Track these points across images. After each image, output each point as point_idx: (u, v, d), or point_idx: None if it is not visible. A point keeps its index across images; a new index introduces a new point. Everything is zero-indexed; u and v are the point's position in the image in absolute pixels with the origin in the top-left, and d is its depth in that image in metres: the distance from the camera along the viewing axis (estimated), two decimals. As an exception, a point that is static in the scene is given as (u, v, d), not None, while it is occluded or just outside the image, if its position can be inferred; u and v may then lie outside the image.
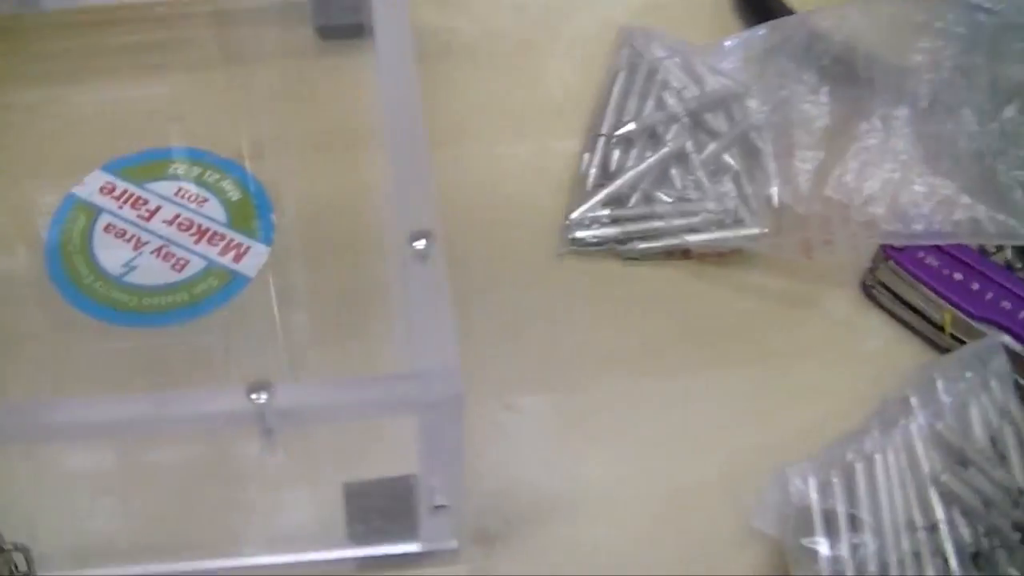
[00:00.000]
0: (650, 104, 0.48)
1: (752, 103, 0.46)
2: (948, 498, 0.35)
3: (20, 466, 0.35)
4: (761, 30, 0.48)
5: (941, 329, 0.41)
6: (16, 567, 0.32)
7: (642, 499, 0.39)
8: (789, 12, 0.50)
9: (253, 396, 0.28)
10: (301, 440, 0.35)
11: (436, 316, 0.30)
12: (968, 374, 0.38)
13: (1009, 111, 0.44)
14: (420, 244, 0.31)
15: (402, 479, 0.37)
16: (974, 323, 0.40)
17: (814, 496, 0.35)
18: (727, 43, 0.48)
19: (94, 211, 0.45)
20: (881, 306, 0.43)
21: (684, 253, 0.45)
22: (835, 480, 0.36)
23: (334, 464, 0.38)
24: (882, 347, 0.42)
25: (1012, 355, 0.39)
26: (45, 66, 0.50)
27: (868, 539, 0.34)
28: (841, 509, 0.35)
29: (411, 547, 0.36)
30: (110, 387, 0.40)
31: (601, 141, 0.47)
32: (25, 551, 0.32)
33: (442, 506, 0.33)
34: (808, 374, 0.42)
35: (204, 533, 0.37)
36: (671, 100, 0.47)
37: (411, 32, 0.38)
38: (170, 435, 0.33)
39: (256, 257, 0.44)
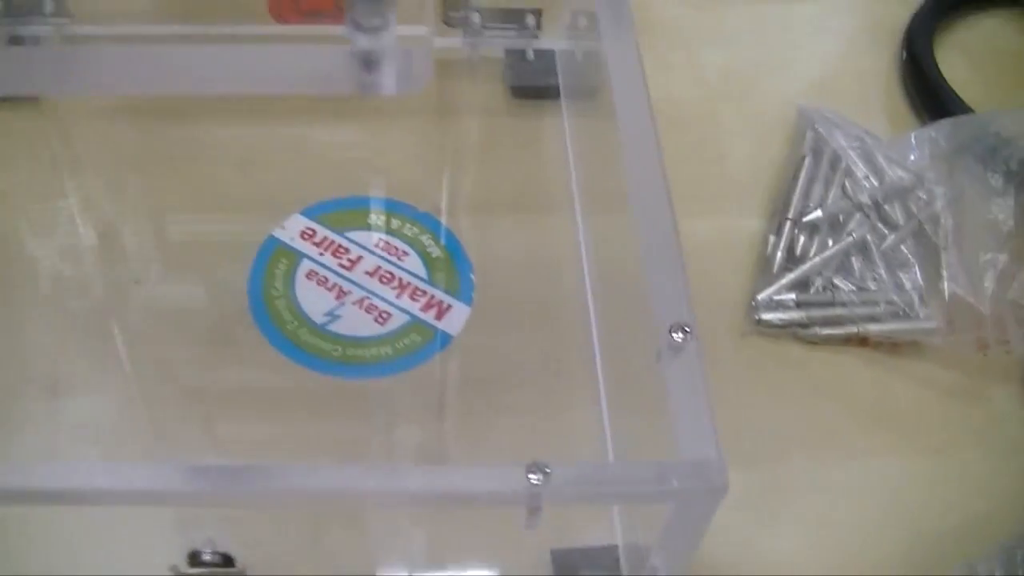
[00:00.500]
0: (834, 192, 0.49)
1: (933, 198, 0.48)
2: None
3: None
4: (944, 127, 0.50)
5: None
6: None
7: (823, 561, 0.40)
8: (966, 109, 0.52)
9: (531, 477, 0.30)
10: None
11: (697, 408, 0.32)
12: None
13: None
14: (679, 336, 0.33)
15: (607, 549, 0.39)
16: None
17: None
18: (912, 137, 0.50)
19: (296, 256, 0.47)
20: None
21: (862, 341, 0.46)
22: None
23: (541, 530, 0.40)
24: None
25: None
26: (239, 103, 0.52)
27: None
28: None
29: None
30: (313, 433, 0.42)
31: (788, 225, 0.48)
32: None
33: None
34: (981, 465, 0.43)
35: None
36: (854, 190, 0.49)
37: (650, 104, 0.39)
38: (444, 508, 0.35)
39: (458, 316, 0.45)
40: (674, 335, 0.33)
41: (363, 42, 0.34)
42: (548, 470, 0.30)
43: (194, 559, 0.32)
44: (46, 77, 0.36)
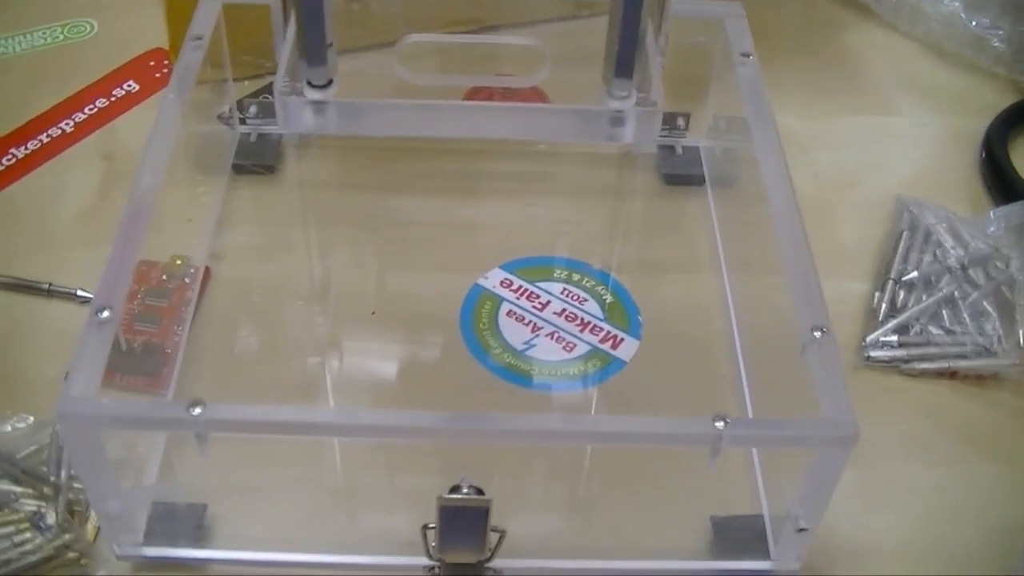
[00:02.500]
0: (927, 258, 0.61)
1: (1008, 262, 0.60)
2: None
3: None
4: (1017, 207, 0.62)
5: None
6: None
7: (925, 554, 0.51)
8: None
9: (716, 424, 0.42)
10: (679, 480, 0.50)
11: (835, 384, 0.44)
12: None
13: None
14: (818, 333, 0.45)
15: (755, 517, 0.51)
16: None
17: None
18: (990, 216, 0.62)
19: (497, 299, 0.60)
20: None
21: (952, 374, 0.58)
22: None
23: (701, 501, 0.52)
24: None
25: None
26: (446, 183, 0.66)
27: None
28: None
29: (763, 565, 0.49)
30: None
31: (890, 284, 0.61)
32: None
33: (803, 529, 0.46)
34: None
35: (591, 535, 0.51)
36: (944, 257, 0.61)
37: (792, 185, 0.52)
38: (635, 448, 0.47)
39: (630, 347, 0.58)
40: (815, 333, 0.46)
41: (615, 105, 0.48)
42: (728, 419, 0.43)
43: (454, 491, 0.45)
44: (334, 120, 0.49)
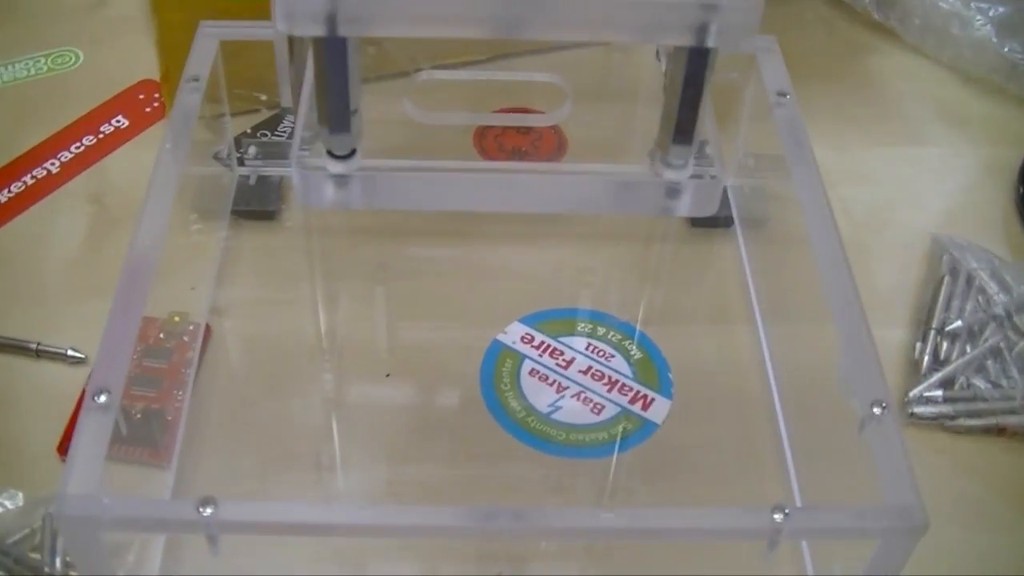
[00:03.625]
0: (970, 306, 0.58)
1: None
2: None
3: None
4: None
5: None
6: None
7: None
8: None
9: (775, 516, 0.39)
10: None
11: (898, 464, 0.40)
12: None
13: None
14: (878, 410, 0.42)
15: None
16: None
17: None
18: (1030, 262, 0.59)
19: (519, 356, 0.56)
20: None
21: (1000, 431, 0.55)
22: None
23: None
24: None
25: None
26: (460, 228, 0.62)
27: None
28: None
29: None
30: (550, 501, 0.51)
31: (932, 334, 0.57)
32: None
33: None
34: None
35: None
36: (988, 304, 0.57)
37: (838, 232, 0.48)
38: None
39: (661, 407, 0.54)
40: (875, 409, 0.42)
41: (671, 175, 0.44)
42: (787, 511, 0.39)
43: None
44: (359, 196, 0.46)
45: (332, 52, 0.40)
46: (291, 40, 0.50)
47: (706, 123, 0.45)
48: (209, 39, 0.56)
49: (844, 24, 0.78)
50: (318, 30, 0.40)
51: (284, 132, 0.64)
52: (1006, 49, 0.72)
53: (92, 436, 0.40)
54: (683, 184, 0.44)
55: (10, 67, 0.71)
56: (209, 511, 0.37)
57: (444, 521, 0.38)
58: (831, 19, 0.78)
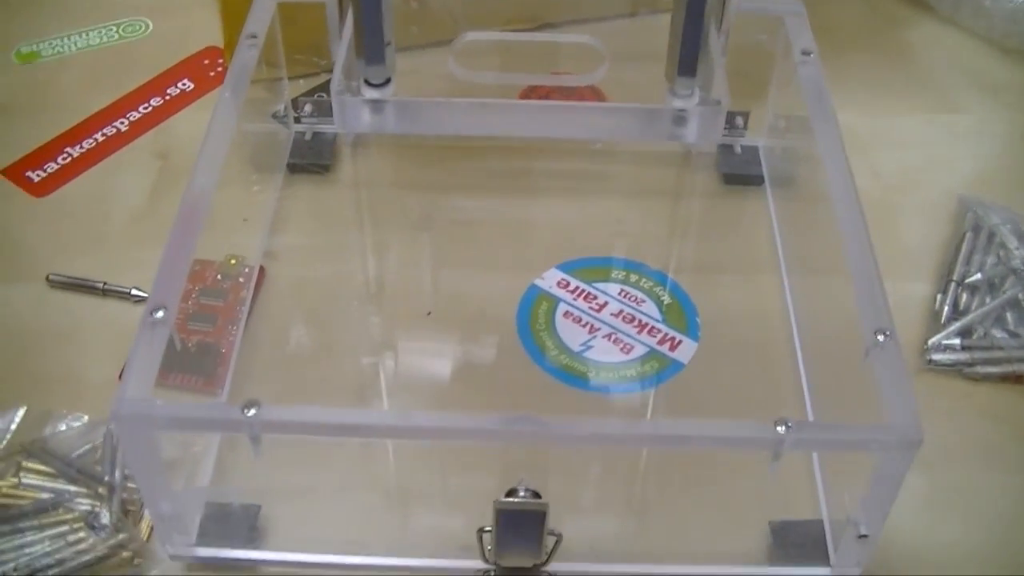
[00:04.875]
0: (991, 259, 0.60)
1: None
2: None
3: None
4: (1083, 208, 0.60)
5: None
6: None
7: (994, 561, 0.50)
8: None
9: (778, 428, 0.41)
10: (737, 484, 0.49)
11: (900, 386, 0.43)
12: None
13: None
14: (882, 337, 0.44)
15: (814, 522, 0.50)
16: None
17: None
18: (1054, 215, 0.61)
19: (554, 300, 0.59)
20: None
21: (1017, 378, 0.57)
22: None
23: (760, 506, 0.51)
24: None
25: None
26: (501, 182, 0.65)
27: None
28: None
29: (823, 571, 0.48)
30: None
31: (952, 286, 0.59)
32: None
33: (864, 536, 0.45)
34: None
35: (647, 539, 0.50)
36: (1008, 258, 0.60)
37: (855, 187, 0.51)
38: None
39: (688, 349, 0.57)
40: (879, 336, 0.45)
41: (678, 103, 0.47)
42: (790, 423, 0.42)
43: (511, 494, 0.44)
44: (392, 120, 0.49)
45: None
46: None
47: (711, 56, 0.48)
48: (267, 1, 0.59)
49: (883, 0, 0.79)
50: None
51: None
52: (1040, 20, 0.73)
53: (148, 347, 0.43)
54: (689, 111, 0.47)
55: (84, 35, 0.75)
56: (253, 412, 0.41)
57: (468, 425, 0.42)
58: (871, -6, 0.80)
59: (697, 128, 0.47)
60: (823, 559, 0.48)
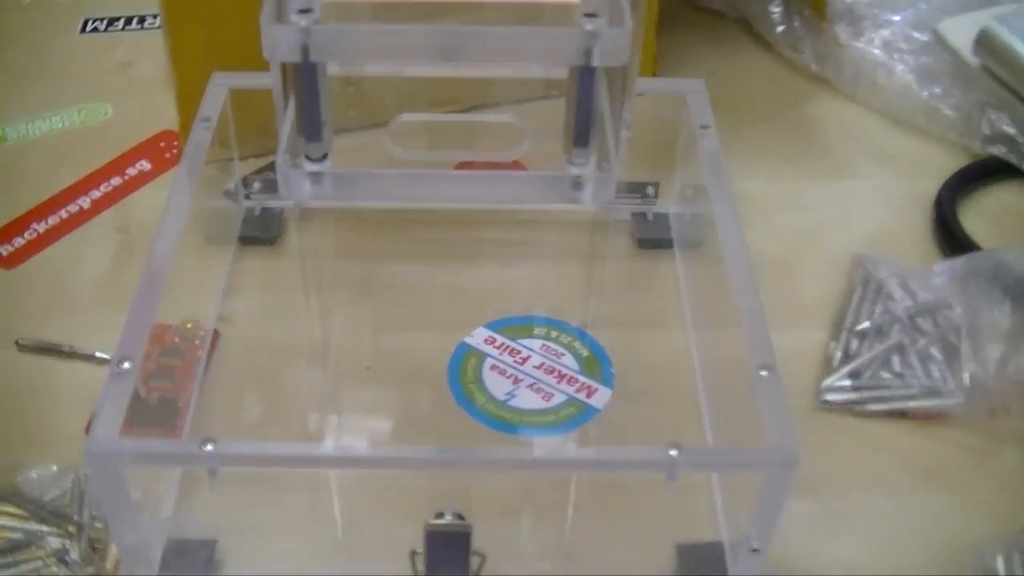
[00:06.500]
0: (878, 309, 0.67)
1: (953, 311, 0.65)
2: None
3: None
4: (959, 261, 0.67)
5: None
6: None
7: (871, 571, 0.56)
8: (977, 247, 0.70)
9: (671, 452, 0.48)
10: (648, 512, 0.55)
11: (779, 413, 0.49)
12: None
13: None
14: (765, 373, 0.51)
15: (716, 543, 0.56)
16: None
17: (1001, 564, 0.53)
18: (936, 269, 0.68)
19: (482, 355, 0.65)
20: None
21: (902, 414, 0.63)
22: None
23: (668, 531, 0.57)
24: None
25: None
26: (434, 250, 0.71)
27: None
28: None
29: None
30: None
31: (844, 333, 0.66)
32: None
33: (756, 550, 0.51)
34: (990, 497, 0.59)
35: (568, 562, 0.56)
36: (894, 308, 0.66)
37: (745, 242, 0.58)
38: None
39: (603, 396, 0.63)
40: (762, 372, 0.51)
41: (574, 170, 0.54)
42: (681, 448, 0.48)
43: (439, 518, 0.50)
44: (330, 189, 0.55)
45: (307, 75, 0.50)
46: (283, 73, 0.60)
47: (606, 130, 0.55)
48: (220, 87, 0.66)
49: (785, 76, 0.87)
50: (295, 57, 0.50)
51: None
52: (926, 94, 0.81)
53: (116, 395, 0.49)
54: (584, 178, 0.54)
55: (48, 119, 0.81)
56: (210, 447, 0.47)
57: (401, 455, 0.48)
58: (774, 71, 0.88)
59: (592, 192, 0.54)
60: (721, 572, 0.54)
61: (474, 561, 0.50)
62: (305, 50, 0.49)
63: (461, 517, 0.49)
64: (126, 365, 0.49)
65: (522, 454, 0.49)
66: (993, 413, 0.61)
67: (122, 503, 0.48)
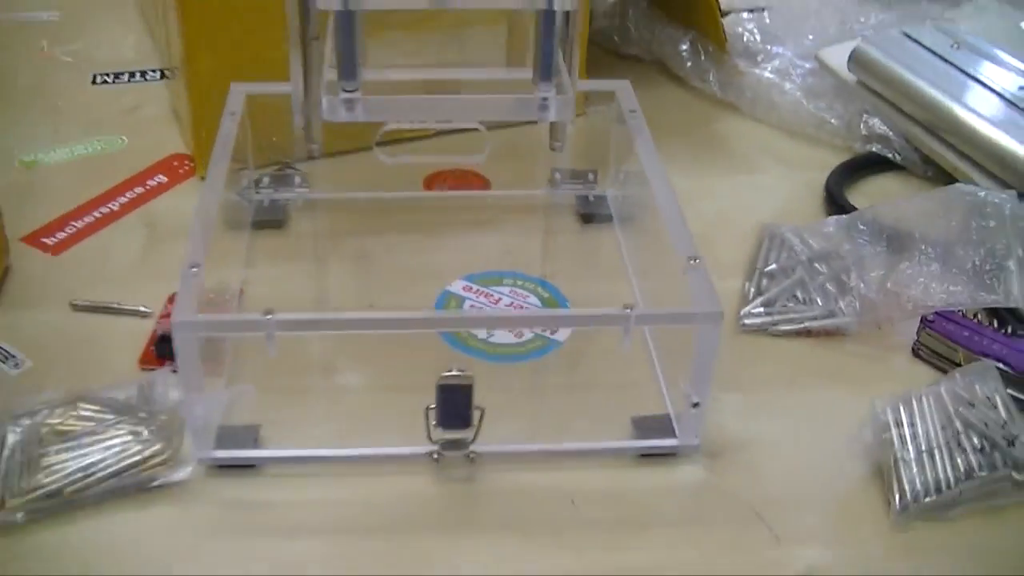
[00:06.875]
0: (783, 255, 0.83)
1: (842, 254, 0.81)
2: (964, 421, 0.67)
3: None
4: (844, 217, 0.84)
5: (959, 364, 0.74)
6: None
7: (790, 444, 0.70)
8: (855, 208, 0.86)
9: (626, 310, 0.62)
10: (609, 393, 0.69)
11: (706, 287, 0.64)
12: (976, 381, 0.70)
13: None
14: (694, 261, 0.66)
15: (663, 415, 0.70)
16: (977, 356, 0.73)
17: (891, 417, 0.68)
18: (827, 222, 0.84)
19: (461, 299, 0.80)
20: (923, 359, 0.77)
21: (807, 333, 0.78)
22: (902, 409, 0.68)
23: (625, 408, 0.71)
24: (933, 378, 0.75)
25: (1000, 372, 0.71)
26: (419, 228, 0.86)
27: (920, 437, 0.67)
28: (906, 421, 0.67)
29: (671, 441, 0.68)
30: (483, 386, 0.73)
31: (756, 274, 0.81)
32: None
33: (697, 404, 0.66)
34: (881, 389, 0.73)
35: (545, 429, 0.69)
36: (796, 255, 0.82)
37: (670, 183, 0.73)
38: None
39: (563, 333, 0.77)
40: (691, 261, 0.66)
41: (542, 91, 0.69)
42: (632, 308, 0.63)
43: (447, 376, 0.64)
44: (361, 111, 0.69)
45: (346, 20, 0.65)
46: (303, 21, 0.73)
47: (561, 70, 0.70)
48: (238, 93, 0.81)
49: (696, 103, 1.04)
50: (339, 5, 0.65)
51: (288, 173, 0.88)
52: (813, 108, 0.98)
53: (190, 288, 0.62)
54: (549, 100, 0.69)
55: (73, 148, 0.95)
56: (269, 316, 0.60)
57: (415, 316, 0.62)
58: (687, 100, 1.05)
59: (555, 110, 0.69)
60: (671, 435, 0.68)
61: (475, 415, 0.64)
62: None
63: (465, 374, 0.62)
64: (195, 269, 0.63)
65: (510, 313, 0.63)
66: (878, 323, 0.76)
67: (195, 373, 0.62)
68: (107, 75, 1.05)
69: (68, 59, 1.07)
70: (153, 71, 1.05)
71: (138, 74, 1.05)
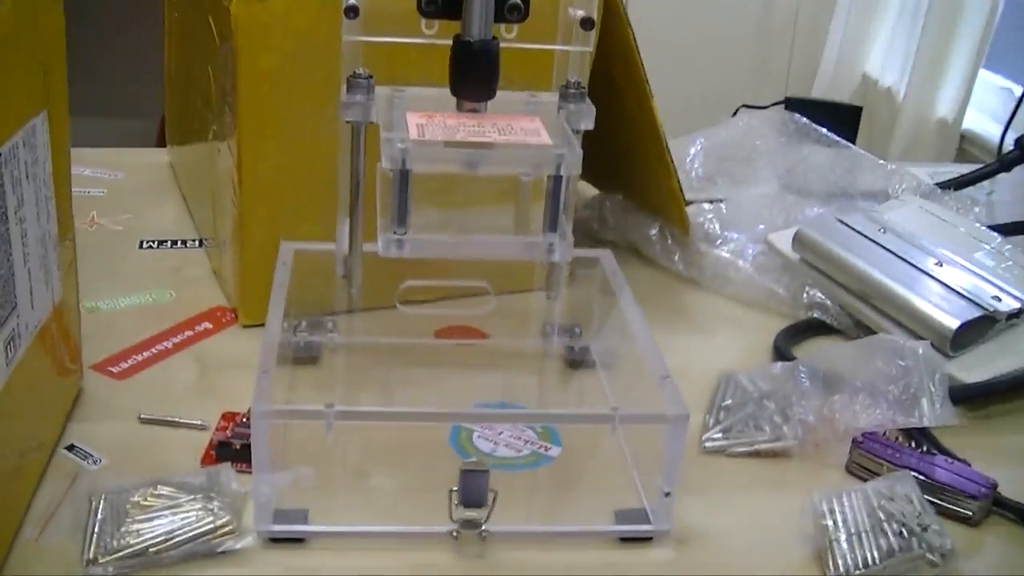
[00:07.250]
0: (738, 394, 0.98)
1: (785, 392, 0.98)
2: (885, 512, 0.83)
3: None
4: (788, 363, 1.01)
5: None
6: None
7: (743, 534, 0.85)
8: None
9: (612, 410, 0.79)
10: (587, 485, 0.85)
11: (676, 395, 0.81)
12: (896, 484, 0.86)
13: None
14: (667, 379, 0.82)
15: (640, 509, 0.85)
16: (897, 469, 0.89)
17: (826, 507, 0.83)
18: (773, 367, 1.01)
19: (470, 430, 0.96)
20: (854, 474, 0.93)
21: (758, 453, 0.94)
22: (835, 500, 0.84)
23: (608, 502, 0.86)
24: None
25: (916, 480, 0.87)
26: (435, 366, 1.02)
27: (851, 522, 0.82)
28: (838, 510, 0.83)
29: (647, 527, 0.83)
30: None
31: (715, 409, 0.97)
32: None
33: (668, 493, 0.81)
34: (822, 491, 0.89)
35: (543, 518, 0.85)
36: (748, 393, 0.99)
37: (643, 316, 0.90)
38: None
39: (555, 451, 0.94)
40: (665, 379, 0.83)
41: (549, 238, 0.86)
42: (619, 409, 0.79)
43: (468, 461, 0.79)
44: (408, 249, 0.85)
45: (402, 179, 0.82)
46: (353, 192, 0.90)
47: (563, 226, 0.88)
48: (288, 250, 0.98)
49: (663, 279, 1.21)
50: (398, 166, 0.82)
51: (322, 320, 1.04)
52: (763, 282, 1.17)
53: (264, 386, 0.78)
54: (554, 244, 0.86)
55: (127, 299, 1.11)
56: (330, 408, 0.76)
57: (455, 411, 0.78)
58: (655, 277, 1.22)
59: (559, 252, 0.86)
60: (647, 522, 0.83)
61: (489, 497, 0.79)
62: (403, 161, 0.81)
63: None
64: (265, 373, 0.79)
65: (525, 412, 0.79)
66: (817, 444, 0.93)
67: (265, 455, 0.77)
68: (152, 242, 1.21)
69: (118, 228, 1.23)
70: (192, 240, 1.22)
71: (180, 242, 1.22)
